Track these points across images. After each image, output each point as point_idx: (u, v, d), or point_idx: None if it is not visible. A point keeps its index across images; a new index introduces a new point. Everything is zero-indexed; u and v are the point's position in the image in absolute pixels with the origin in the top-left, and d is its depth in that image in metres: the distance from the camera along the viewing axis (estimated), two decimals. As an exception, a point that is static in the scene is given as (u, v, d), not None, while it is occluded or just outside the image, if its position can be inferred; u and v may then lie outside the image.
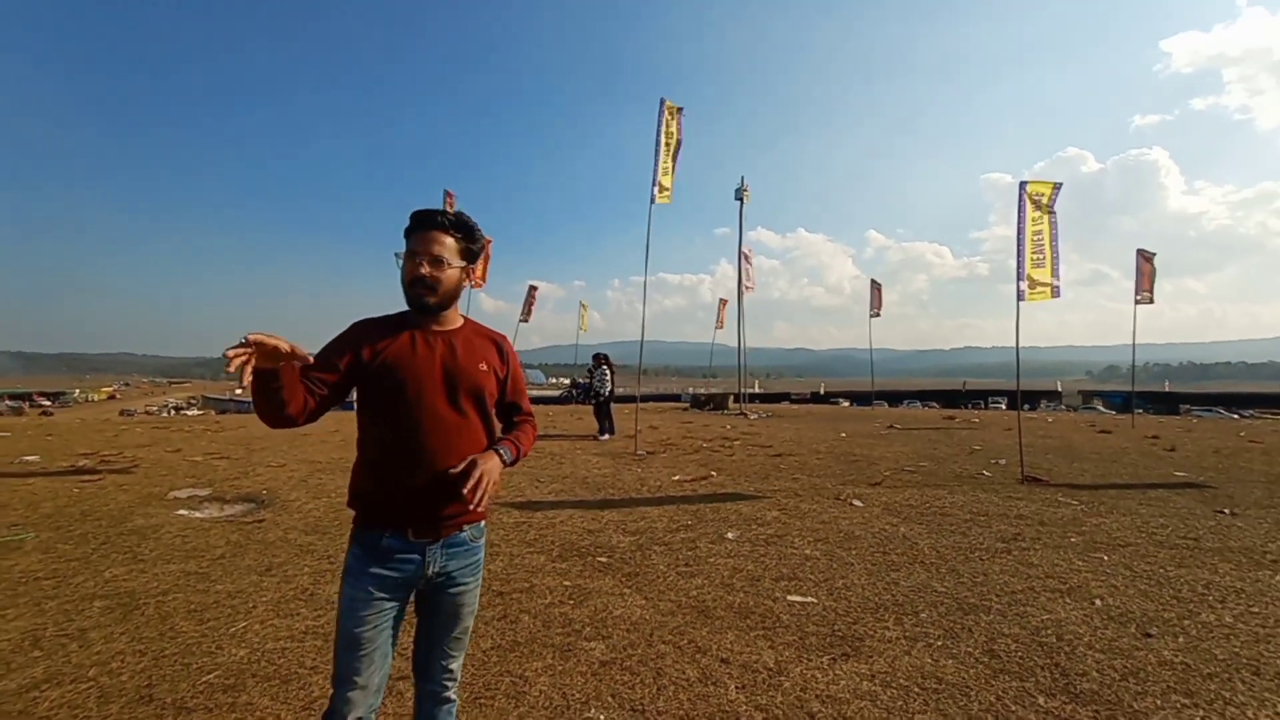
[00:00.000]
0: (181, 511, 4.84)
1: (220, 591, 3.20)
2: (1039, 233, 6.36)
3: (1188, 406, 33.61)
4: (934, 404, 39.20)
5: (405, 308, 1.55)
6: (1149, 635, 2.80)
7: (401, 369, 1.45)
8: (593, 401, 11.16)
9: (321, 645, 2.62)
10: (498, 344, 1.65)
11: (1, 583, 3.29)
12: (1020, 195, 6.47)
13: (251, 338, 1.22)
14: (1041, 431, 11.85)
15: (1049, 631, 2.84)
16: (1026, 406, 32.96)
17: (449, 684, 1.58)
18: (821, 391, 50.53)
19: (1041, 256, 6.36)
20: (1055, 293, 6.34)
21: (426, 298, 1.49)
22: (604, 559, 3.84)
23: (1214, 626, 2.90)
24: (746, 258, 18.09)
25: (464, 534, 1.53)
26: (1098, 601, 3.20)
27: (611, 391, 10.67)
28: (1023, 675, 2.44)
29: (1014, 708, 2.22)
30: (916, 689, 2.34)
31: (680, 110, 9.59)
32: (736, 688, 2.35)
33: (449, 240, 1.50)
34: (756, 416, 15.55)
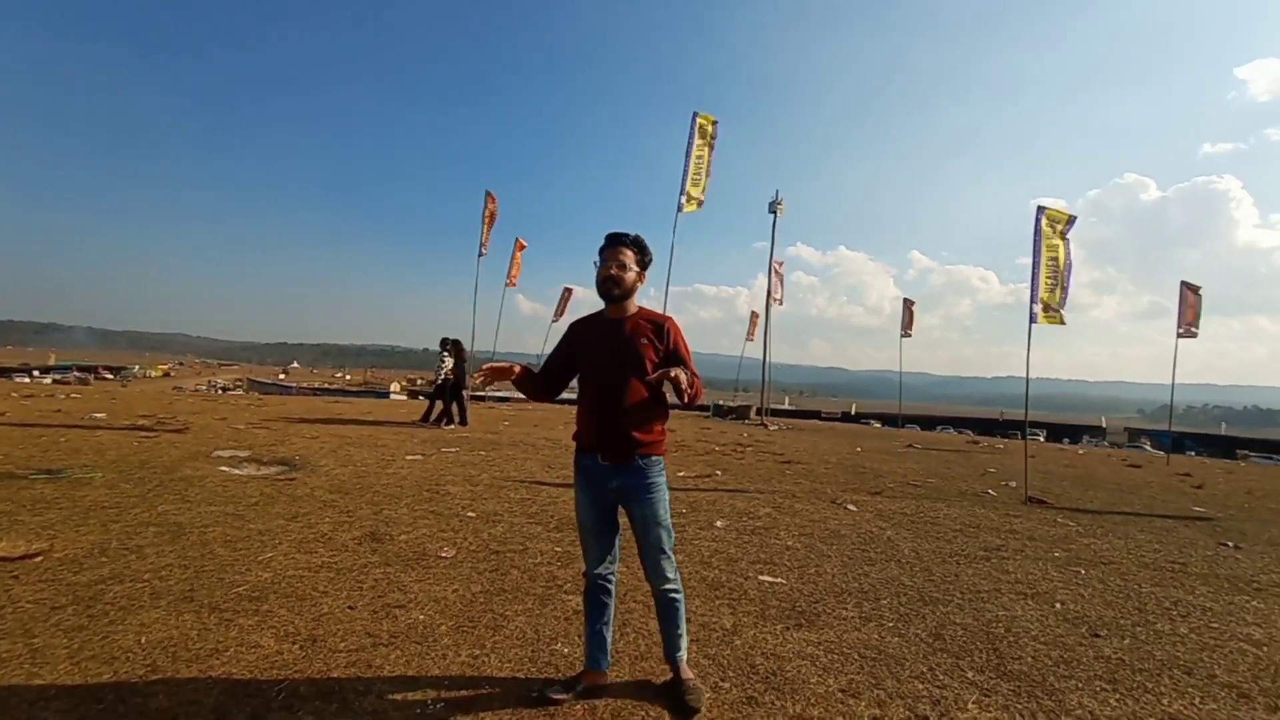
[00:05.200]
0: (223, 468, 5.37)
1: (252, 529, 3.63)
2: (1054, 259, 6.41)
3: (1245, 452, 31.35)
4: (968, 431, 38.08)
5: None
6: (1097, 636, 2.93)
7: (588, 347, 2.16)
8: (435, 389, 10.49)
9: (333, 577, 3.00)
10: (659, 325, 2.16)
11: (76, 508, 3.82)
12: (1037, 220, 6.53)
13: (485, 368, 2.07)
14: (1066, 461, 11.63)
15: (999, 625, 3.00)
16: (1067, 440, 31.69)
17: (655, 582, 2.20)
18: (852, 411, 49.71)
19: (1054, 283, 6.40)
20: (1063, 320, 6.38)
21: (613, 290, 2.11)
22: (596, 534, 4.14)
23: (1165, 635, 3.01)
24: (777, 271, 18.23)
25: (637, 462, 2.09)
26: (1058, 605, 3.33)
27: (448, 379, 10.00)
28: (959, 655, 2.63)
29: (942, 678, 2.41)
30: (856, 656, 2.56)
31: (715, 122, 9.92)
32: (690, 640, 2.60)
33: (629, 253, 2.12)
34: (776, 428, 15.62)
